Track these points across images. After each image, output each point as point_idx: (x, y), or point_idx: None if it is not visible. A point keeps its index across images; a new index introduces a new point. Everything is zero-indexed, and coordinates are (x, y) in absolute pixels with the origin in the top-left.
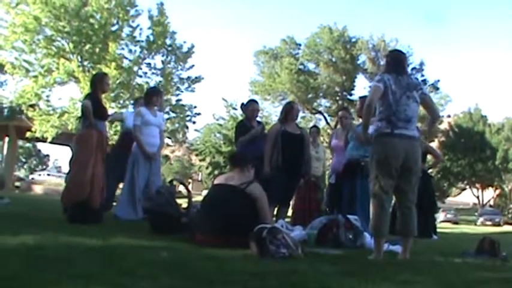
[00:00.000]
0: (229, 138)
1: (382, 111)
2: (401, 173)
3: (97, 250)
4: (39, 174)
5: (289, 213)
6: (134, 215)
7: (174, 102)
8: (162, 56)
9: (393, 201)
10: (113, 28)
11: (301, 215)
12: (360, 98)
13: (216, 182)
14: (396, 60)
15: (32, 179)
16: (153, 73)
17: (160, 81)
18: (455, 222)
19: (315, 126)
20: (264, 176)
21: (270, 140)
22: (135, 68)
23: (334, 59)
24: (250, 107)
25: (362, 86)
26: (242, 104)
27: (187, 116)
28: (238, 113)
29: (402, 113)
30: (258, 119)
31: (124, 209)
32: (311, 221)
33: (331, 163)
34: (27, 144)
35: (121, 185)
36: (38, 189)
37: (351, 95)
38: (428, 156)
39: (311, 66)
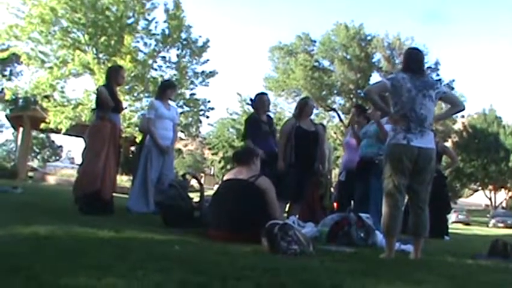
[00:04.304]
0: (242, 133)
1: (398, 110)
2: (415, 172)
3: (109, 242)
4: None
5: None
6: (146, 207)
7: (188, 96)
8: (177, 49)
9: (405, 200)
10: (129, 21)
11: (305, 212)
12: None
13: (225, 177)
14: (413, 59)
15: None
16: (167, 67)
17: (174, 75)
18: (467, 224)
19: (320, 123)
20: (277, 172)
21: (284, 135)
22: (150, 61)
23: (349, 57)
24: (261, 100)
25: (372, 83)
26: (251, 99)
27: (201, 110)
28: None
29: (418, 111)
30: (271, 114)
31: (136, 202)
32: (314, 218)
33: (342, 160)
34: (41, 135)
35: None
36: (51, 180)
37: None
38: (444, 157)
39: (326, 63)
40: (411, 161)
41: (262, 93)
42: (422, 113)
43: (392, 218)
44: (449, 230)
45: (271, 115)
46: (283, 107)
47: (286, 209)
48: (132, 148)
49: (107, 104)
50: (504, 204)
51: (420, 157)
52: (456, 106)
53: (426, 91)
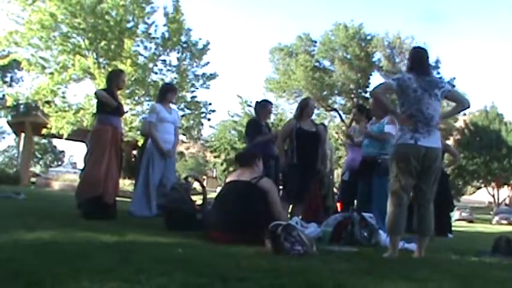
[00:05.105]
0: (244, 135)
1: (405, 110)
2: (422, 171)
3: (112, 246)
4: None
5: None
6: (148, 211)
7: (189, 99)
8: (177, 52)
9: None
10: (129, 25)
11: (308, 212)
12: None
13: (228, 179)
14: (418, 58)
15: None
16: (168, 70)
17: (175, 78)
18: (471, 221)
19: (322, 123)
20: (277, 174)
21: (283, 134)
22: (151, 65)
23: (349, 56)
24: (264, 107)
25: (377, 84)
26: (257, 102)
27: (202, 112)
28: (253, 109)
29: (425, 111)
30: (272, 116)
31: (138, 206)
32: (317, 218)
33: (345, 160)
34: (43, 141)
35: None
36: (53, 185)
37: (366, 92)
38: (445, 155)
39: (326, 63)
40: (418, 161)
41: (268, 102)
42: (429, 112)
43: (396, 217)
44: (453, 228)
45: (272, 117)
46: (284, 108)
47: (289, 210)
48: (134, 152)
49: (110, 103)
50: (507, 201)
51: (427, 156)
52: (461, 104)
53: (432, 90)
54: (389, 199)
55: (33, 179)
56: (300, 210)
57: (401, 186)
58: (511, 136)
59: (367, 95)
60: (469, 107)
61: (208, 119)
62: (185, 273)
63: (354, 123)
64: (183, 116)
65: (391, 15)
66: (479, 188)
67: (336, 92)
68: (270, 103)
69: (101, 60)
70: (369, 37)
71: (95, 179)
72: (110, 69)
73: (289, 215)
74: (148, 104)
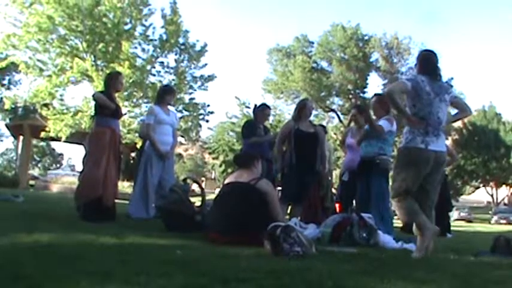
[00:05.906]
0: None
1: (417, 112)
2: (428, 174)
3: (111, 248)
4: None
5: None
6: (146, 213)
7: (187, 101)
8: (175, 54)
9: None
10: (126, 27)
11: (307, 213)
12: (376, 95)
13: (226, 181)
14: (430, 62)
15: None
16: (166, 72)
17: (173, 80)
18: (469, 221)
19: (320, 124)
20: (275, 174)
21: (281, 136)
22: (148, 67)
23: (347, 57)
24: (262, 111)
25: (375, 84)
26: (255, 105)
27: (201, 114)
28: (251, 112)
29: (435, 114)
30: (271, 117)
31: (136, 207)
32: (316, 219)
33: (343, 161)
34: (41, 143)
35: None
36: (52, 188)
37: (363, 92)
38: None
39: (324, 64)
40: (428, 165)
41: (266, 106)
42: (439, 116)
43: (410, 205)
44: (452, 228)
45: (271, 118)
46: (282, 109)
47: (288, 211)
48: (133, 154)
49: (108, 106)
50: (506, 201)
51: (436, 160)
52: (464, 111)
53: (442, 95)
54: (396, 200)
55: (31, 182)
56: (299, 211)
57: (406, 190)
58: (509, 136)
59: (366, 95)
60: (470, 114)
61: (207, 121)
62: (185, 275)
63: (352, 124)
64: (181, 117)
65: (388, 15)
66: (477, 187)
67: (334, 92)
68: (268, 107)
69: (98, 62)
70: (366, 37)
71: (94, 181)
72: (107, 72)
73: (287, 216)
74: (146, 106)
